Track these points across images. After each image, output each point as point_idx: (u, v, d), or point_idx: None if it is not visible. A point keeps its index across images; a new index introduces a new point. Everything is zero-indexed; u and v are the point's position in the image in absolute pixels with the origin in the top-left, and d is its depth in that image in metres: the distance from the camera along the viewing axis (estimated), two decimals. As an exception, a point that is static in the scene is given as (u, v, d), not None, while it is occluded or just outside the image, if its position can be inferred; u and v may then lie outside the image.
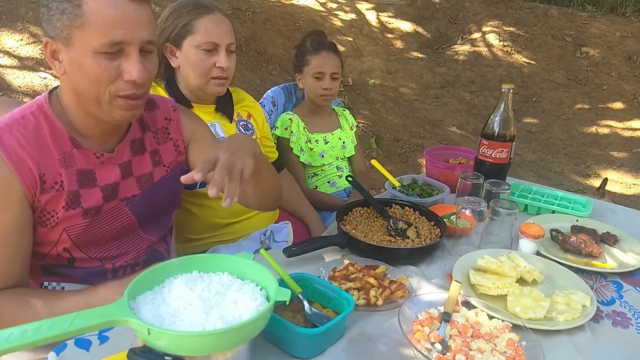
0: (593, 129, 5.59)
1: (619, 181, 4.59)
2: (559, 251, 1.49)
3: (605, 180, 3.74)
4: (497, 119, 1.68)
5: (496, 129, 1.68)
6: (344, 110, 2.42)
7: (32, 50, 4.29)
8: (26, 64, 4.16)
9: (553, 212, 1.72)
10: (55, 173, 1.09)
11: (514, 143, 1.70)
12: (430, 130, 5.34)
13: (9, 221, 1.04)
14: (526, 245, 1.43)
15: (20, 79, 3.99)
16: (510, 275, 1.28)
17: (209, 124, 1.65)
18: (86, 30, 0.98)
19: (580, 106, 6.02)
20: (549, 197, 1.80)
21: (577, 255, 1.46)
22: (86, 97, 1.05)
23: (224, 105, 1.75)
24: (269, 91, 2.32)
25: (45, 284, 1.20)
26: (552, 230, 1.56)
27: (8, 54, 4.19)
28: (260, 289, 0.91)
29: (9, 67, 4.08)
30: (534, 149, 5.18)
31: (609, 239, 1.54)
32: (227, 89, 1.75)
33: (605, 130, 5.56)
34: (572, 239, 1.50)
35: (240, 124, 1.79)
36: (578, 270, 1.37)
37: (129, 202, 1.22)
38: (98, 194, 1.15)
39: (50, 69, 4.21)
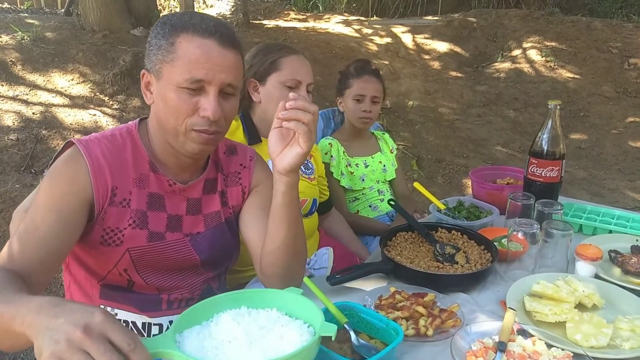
0: (647, 142, 5.34)
1: (678, 196, 4.33)
2: (619, 273, 1.40)
3: (665, 196, 3.53)
4: (545, 136, 1.61)
5: (545, 147, 1.61)
6: (384, 134, 2.40)
7: (82, 89, 4.51)
8: (77, 102, 4.37)
9: (610, 231, 1.63)
10: (126, 190, 1.14)
11: (564, 161, 1.63)
12: (474, 149, 5.23)
13: (61, 207, 1.05)
14: (583, 268, 1.35)
15: (71, 116, 4.18)
16: (568, 300, 1.20)
17: None
18: (174, 66, 1.09)
19: (631, 119, 5.77)
20: (605, 216, 1.71)
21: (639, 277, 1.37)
22: (165, 127, 1.14)
23: None
24: (307, 116, 2.33)
25: (101, 307, 1.21)
26: (610, 251, 1.47)
27: (60, 93, 4.42)
28: (308, 326, 0.89)
29: (61, 105, 4.29)
30: (585, 166, 4.98)
31: (674, 259, 1.44)
32: None
33: (660, 143, 5.29)
34: (632, 260, 1.41)
35: None
36: (641, 294, 1.28)
37: (193, 238, 1.24)
38: (164, 220, 1.20)
39: (99, 106, 4.40)
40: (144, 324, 1.22)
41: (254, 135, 1.70)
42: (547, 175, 1.62)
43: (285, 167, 1.11)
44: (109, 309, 1.22)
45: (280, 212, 1.17)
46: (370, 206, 2.22)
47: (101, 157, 1.12)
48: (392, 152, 2.34)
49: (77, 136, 3.99)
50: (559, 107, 1.59)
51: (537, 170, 1.63)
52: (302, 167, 1.81)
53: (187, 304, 1.25)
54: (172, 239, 1.21)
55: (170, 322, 1.24)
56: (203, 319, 0.89)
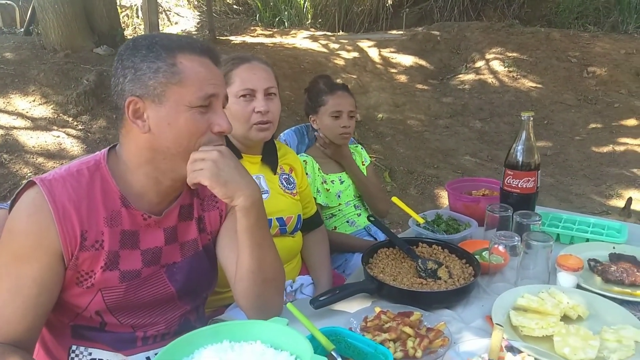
0: (609, 147, 5.50)
1: (642, 199, 4.46)
2: (600, 282, 1.41)
3: (630, 200, 3.64)
4: (519, 147, 1.62)
5: (520, 158, 1.62)
6: (356, 147, 2.39)
7: (44, 111, 4.36)
8: (39, 124, 4.23)
9: (587, 240, 1.65)
10: (97, 231, 1.07)
11: (539, 171, 1.64)
12: (443, 160, 5.29)
13: (31, 273, 1.02)
14: (565, 278, 1.36)
15: (34, 139, 4.04)
16: (553, 313, 1.20)
17: (254, 177, 1.65)
18: (183, 86, 1.06)
19: (593, 125, 5.95)
20: (581, 224, 1.73)
21: (620, 286, 1.38)
22: (170, 152, 1.08)
23: (269, 156, 1.76)
24: (281, 134, 2.30)
25: (73, 347, 1.15)
26: (589, 260, 1.48)
27: (21, 115, 4.27)
28: (296, 358, 0.85)
29: (23, 128, 4.14)
30: (552, 173, 5.09)
31: (652, 266, 1.46)
32: (273, 141, 1.77)
33: (622, 148, 5.46)
34: (612, 268, 1.42)
35: (283, 177, 1.78)
36: (623, 302, 1.29)
37: (169, 269, 1.19)
38: (138, 257, 1.13)
39: (63, 127, 4.26)
40: None
41: (234, 152, 1.63)
42: (523, 186, 1.63)
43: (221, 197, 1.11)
44: (81, 348, 1.15)
45: (240, 238, 1.15)
46: (347, 222, 2.19)
47: (66, 201, 1.04)
48: (364, 164, 2.33)
49: (41, 159, 3.86)
50: (532, 118, 1.61)
51: (513, 181, 1.64)
52: (283, 182, 1.77)
53: (163, 339, 1.20)
54: (147, 273, 1.15)
55: (147, 358, 1.18)
56: (183, 354, 0.83)
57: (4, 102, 4.33)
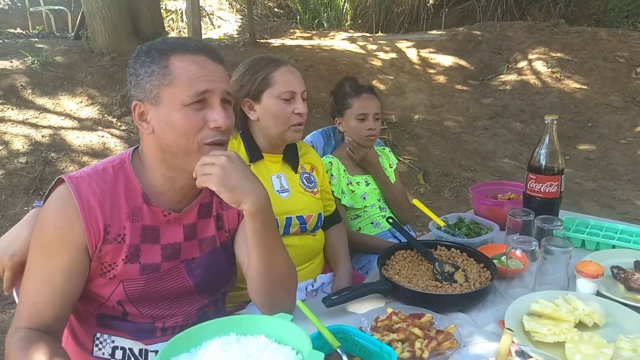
0: (657, 151, 5.27)
1: (691, 206, 4.26)
2: (622, 290, 1.37)
3: (675, 206, 3.48)
4: (542, 151, 1.60)
5: (543, 162, 1.60)
6: (384, 149, 2.40)
7: (90, 112, 4.57)
8: (85, 124, 4.43)
9: (613, 247, 1.60)
10: (120, 226, 1.14)
11: (563, 176, 1.62)
12: (481, 162, 5.20)
13: (60, 264, 1.10)
14: (584, 285, 1.33)
15: (80, 139, 4.24)
16: (567, 320, 1.18)
17: (275, 175, 1.73)
18: (174, 86, 1.09)
19: (641, 129, 5.71)
20: (608, 230, 1.69)
21: (644, 294, 1.34)
22: (175, 151, 1.13)
23: (291, 155, 1.80)
24: (307, 136, 2.34)
25: (98, 335, 1.23)
26: (612, 267, 1.45)
27: (69, 116, 4.49)
28: (297, 353, 0.88)
29: (70, 128, 4.35)
30: (594, 177, 4.92)
31: (678, 274, 1.41)
32: None
33: (671, 152, 5.22)
34: (635, 276, 1.38)
35: (304, 176, 1.82)
36: (645, 311, 1.26)
37: (188, 264, 1.24)
38: (158, 252, 1.19)
39: (107, 127, 4.46)
40: (140, 350, 1.23)
41: (256, 152, 1.70)
42: (546, 190, 1.60)
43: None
44: (105, 336, 1.22)
45: (249, 240, 1.19)
46: (372, 223, 2.21)
47: (91, 197, 1.11)
48: (392, 167, 2.33)
49: (85, 158, 4.05)
50: (555, 122, 1.58)
51: (535, 185, 1.61)
52: (304, 181, 1.80)
53: (181, 330, 1.25)
54: (166, 268, 1.21)
55: (165, 347, 1.24)
56: (191, 346, 0.88)
57: (53, 103, 4.57)
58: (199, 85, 1.10)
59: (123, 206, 1.15)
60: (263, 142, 1.72)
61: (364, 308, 1.33)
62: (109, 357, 1.22)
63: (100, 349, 1.22)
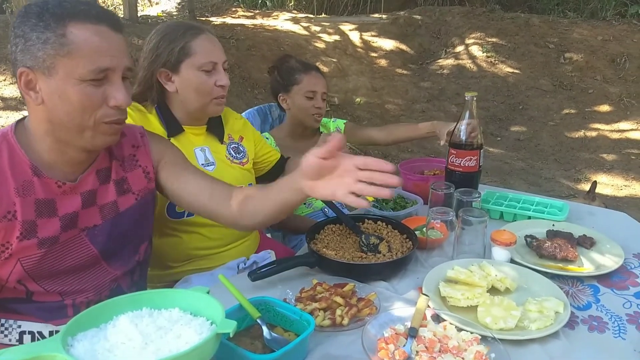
0: (581, 133, 5.59)
1: (610, 184, 4.56)
2: (535, 257, 1.46)
3: (595, 184, 3.71)
4: (462, 127, 1.66)
5: (463, 138, 1.66)
6: (329, 120, 2.35)
7: (14, 91, 4.31)
8: (9, 104, 4.18)
9: (529, 217, 1.70)
10: (8, 202, 1.06)
11: (482, 150, 1.69)
12: (417, 144, 5.34)
13: None
14: (499, 253, 1.41)
15: (3, 118, 4.00)
16: (480, 285, 1.25)
17: (199, 149, 1.64)
18: (73, 59, 1.01)
19: (567, 111, 6.03)
20: (525, 202, 1.78)
21: (553, 261, 1.43)
22: (66, 126, 1.06)
23: (215, 126, 1.71)
24: (243, 113, 2.29)
25: (2, 321, 1.16)
26: (526, 236, 1.53)
27: (-10, 94, 4.22)
28: (211, 324, 0.88)
29: (-8, 107, 4.10)
30: (523, 157, 5.17)
31: (585, 242, 1.51)
32: None
33: (594, 134, 5.56)
34: (546, 244, 1.47)
35: (232, 146, 1.75)
36: (554, 276, 1.34)
37: (90, 232, 1.18)
38: (56, 224, 1.12)
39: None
40: (51, 332, 1.17)
41: (174, 126, 1.60)
42: (466, 164, 1.67)
43: (326, 196, 1.06)
44: (10, 322, 1.16)
45: (275, 201, 1.19)
46: (305, 203, 2.20)
47: None
48: (339, 131, 2.31)
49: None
50: (475, 98, 1.65)
51: (456, 160, 1.68)
52: (232, 151, 1.73)
53: None
54: (66, 238, 1.14)
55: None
56: (101, 321, 0.86)
57: (-27, 81, 4.28)
58: (101, 61, 1.03)
59: (10, 181, 1.06)
60: (182, 115, 1.63)
61: (292, 281, 1.34)
62: (17, 344, 1.15)
63: (6, 335, 1.15)
